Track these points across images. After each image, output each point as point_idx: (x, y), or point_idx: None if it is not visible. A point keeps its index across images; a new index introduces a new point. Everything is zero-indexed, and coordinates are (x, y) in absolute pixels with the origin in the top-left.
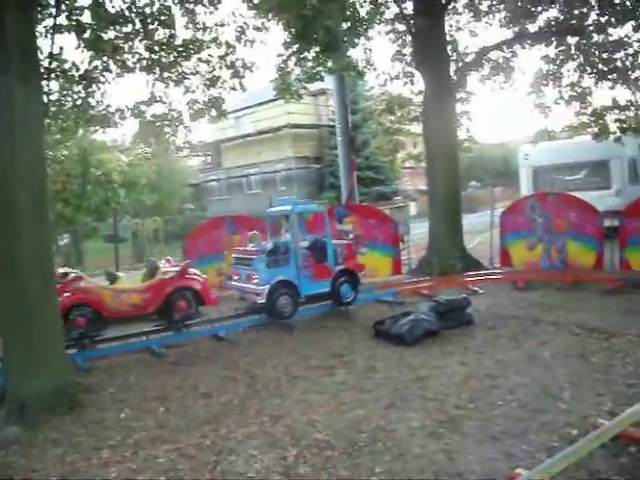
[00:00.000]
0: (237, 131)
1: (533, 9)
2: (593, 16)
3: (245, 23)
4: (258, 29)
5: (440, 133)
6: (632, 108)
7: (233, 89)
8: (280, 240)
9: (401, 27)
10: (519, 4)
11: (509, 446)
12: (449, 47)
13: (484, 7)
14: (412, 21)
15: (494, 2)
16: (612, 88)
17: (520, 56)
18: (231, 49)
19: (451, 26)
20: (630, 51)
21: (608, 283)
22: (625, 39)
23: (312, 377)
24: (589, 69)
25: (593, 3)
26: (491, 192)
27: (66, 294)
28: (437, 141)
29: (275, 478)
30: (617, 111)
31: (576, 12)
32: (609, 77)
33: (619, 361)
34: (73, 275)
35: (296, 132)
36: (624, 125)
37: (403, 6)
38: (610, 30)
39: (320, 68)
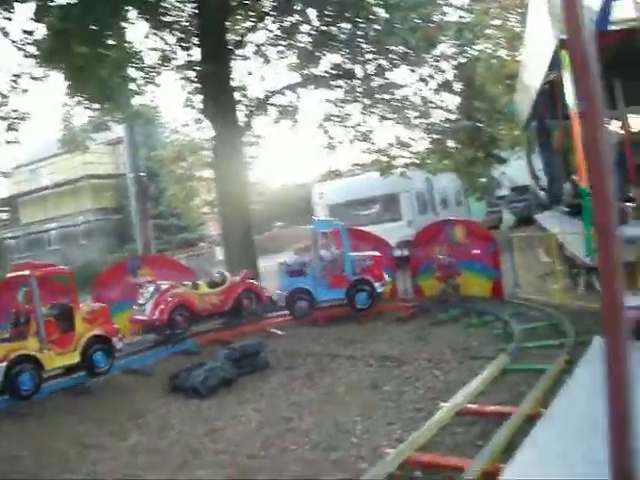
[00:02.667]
0: (33, 184)
1: (317, 54)
2: (373, 60)
3: (22, 72)
4: (35, 78)
5: (230, 178)
6: (412, 145)
7: (9, 142)
8: None
9: (190, 73)
10: (305, 49)
11: None
12: (238, 92)
13: (272, 53)
14: (199, 67)
15: (281, 48)
16: (393, 126)
17: (310, 99)
18: (5, 99)
19: (240, 72)
20: (406, 92)
21: (401, 311)
22: (403, 82)
23: (106, 444)
24: (372, 110)
25: (370, 49)
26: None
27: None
28: (228, 186)
29: None
30: (399, 148)
31: (360, 57)
32: (390, 117)
33: (410, 387)
34: (167, 284)
35: (95, 183)
36: (407, 161)
37: (190, 53)
38: (388, 74)
39: (107, 118)
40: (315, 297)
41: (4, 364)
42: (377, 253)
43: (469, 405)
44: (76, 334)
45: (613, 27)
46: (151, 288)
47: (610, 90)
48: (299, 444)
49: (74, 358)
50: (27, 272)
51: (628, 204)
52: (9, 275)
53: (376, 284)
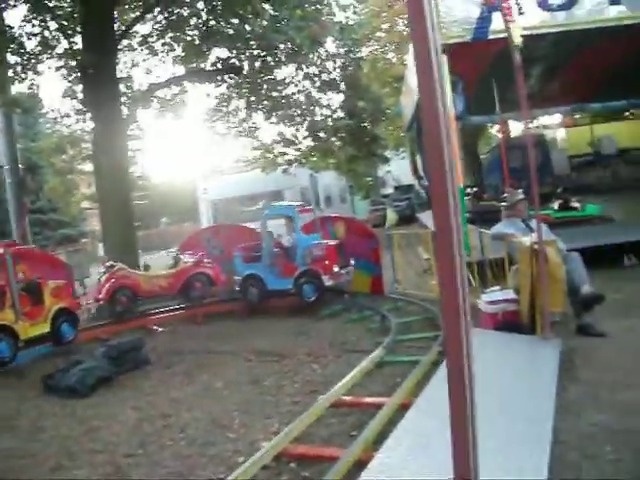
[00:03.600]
0: None
1: (205, 48)
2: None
3: None
4: None
5: (111, 171)
6: (296, 142)
7: None
8: None
9: (73, 62)
10: (193, 42)
11: None
12: (123, 84)
13: (158, 45)
14: (82, 57)
15: (168, 40)
16: (278, 124)
17: (194, 93)
18: None
19: (125, 63)
20: (292, 90)
21: (282, 308)
22: (288, 79)
23: None
24: (257, 106)
25: (257, 45)
26: (180, 227)
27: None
28: (109, 179)
29: None
30: (284, 145)
31: (247, 53)
32: (275, 114)
33: (288, 381)
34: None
35: None
36: (291, 158)
37: (73, 41)
38: (275, 71)
39: None
40: (266, 285)
41: None
42: (332, 242)
43: (344, 397)
44: (45, 307)
45: (492, 36)
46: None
47: (490, 96)
48: (176, 440)
49: (45, 328)
50: (1, 250)
51: (502, 204)
52: None
53: (324, 277)
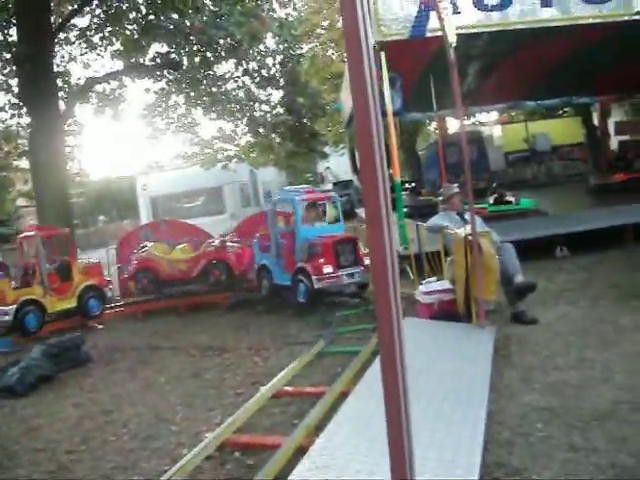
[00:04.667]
0: None
1: (144, 42)
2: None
3: None
4: None
5: (48, 167)
6: (236, 138)
7: None
8: None
9: (7, 55)
10: (131, 37)
11: None
12: (60, 78)
13: (96, 39)
14: (17, 49)
15: (107, 34)
16: (218, 119)
17: (133, 88)
18: None
19: (63, 57)
20: (231, 85)
21: (222, 302)
22: (227, 75)
23: None
24: (197, 102)
25: (197, 40)
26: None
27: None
28: (45, 176)
29: None
30: (223, 141)
31: (186, 48)
32: (214, 109)
33: (231, 374)
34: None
35: None
36: (230, 154)
37: (7, 33)
38: (214, 67)
39: None
40: (274, 278)
41: (14, 306)
42: (335, 237)
43: (286, 387)
44: (74, 283)
45: (429, 34)
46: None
47: (428, 93)
48: (118, 435)
49: (72, 303)
50: (33, 232)
51: (439, 198)
52: (20, 235)
53: (314, 278)
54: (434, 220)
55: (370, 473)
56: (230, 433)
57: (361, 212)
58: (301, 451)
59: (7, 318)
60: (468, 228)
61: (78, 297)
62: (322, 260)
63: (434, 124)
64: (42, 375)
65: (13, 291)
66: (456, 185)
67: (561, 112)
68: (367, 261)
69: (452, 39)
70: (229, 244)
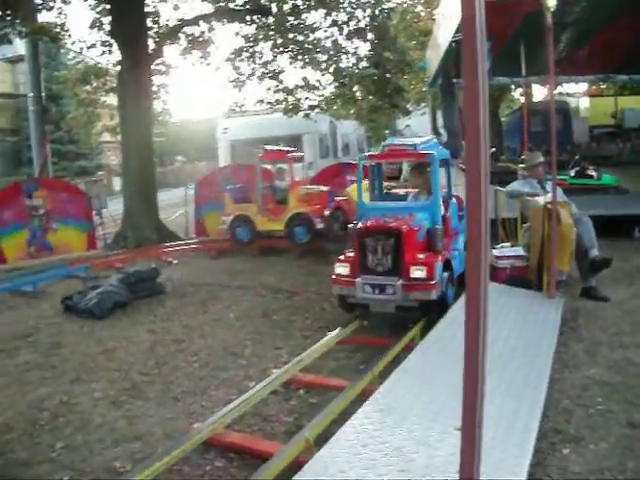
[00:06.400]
0: None
1: None
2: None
3: None
4: None
5: (135, 104)
6: (320, 88)
7: None
8: None
9: None
10: None
11: (189, 404)
12: (150, 18)
13: None
14: None
15: None
16: (303, 68)
17: (220, 32)
18: None
19: None
20: (319, 35)
21: (293, 249)
22: (316, 24)
23: None
24: (283, 49)
25: None
26: (195, 166)
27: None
28: (131, 113)
29: None
30: (306, 90)
31: None
32: (300, 58)
33: (299, 317)
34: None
35: None
36: (312, 103)
37: None
38: (303, 15)
39: (8, 30)
40: None
41: (231, 217)
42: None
43: (353, 335)
44: (286, 208)
45: None
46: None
47: (516, 58)
48: (189, 363)
49: (280, 226)
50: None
51: (520, 165)
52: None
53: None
54: (514, 186)
55: (431, 420)
56: (296, 371)
57: None
58: (363, 396)
59: (223, 226)
60: (548, 197)
61: (286, 222)
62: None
63: (519, 90)
64: (119, 301)
65: (233, 205)
66: (540, 153)
67: None
68: None
69: (551, 2)
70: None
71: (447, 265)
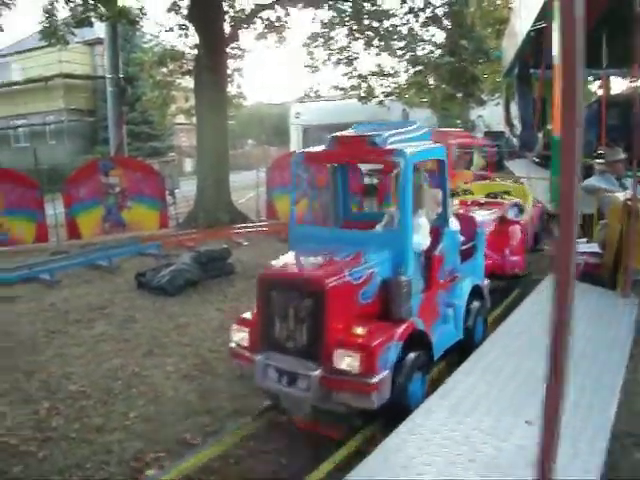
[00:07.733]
0: (1, 78)
1: None
2: None
3: None
4: None
5: (210, 87)
6: (394, 75)
7: None
8: None
9: None
10: None
11: None
12: (226, 2)
13: None
14: None
15: None
16: (378, 55)
17: (295, 17)
18: None
19: None
20: (395, 22)
21: None
22: (392, 11)
23: (71, 331)
24: (358, 35)
25: None
26: (266, 149)
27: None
28: (207, 95)
29: (25, 433)
30: (381, 77)
31: None
32: (375, 44)
33: None
34: None
35: (69, 82)
36: (386, 90)
37: None
38: (379, 1)
39: (91, 13)
40: None
41: None
42: None
43: None
44: None
45: None
46: None
47: (596, 48)
48: None
49: None
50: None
51: (597, 160)
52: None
53: None
54: (592, 181)
55: (499, 414)
56: None
57: (510, 165)
58: (431, 384)
59: None
60: (628, 193)
61: None
62: None
63: (596, 83)
64: (190, 279)
65: None
66: (621, 150)
67: None
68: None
69: None
70: None
71: (417, 342)
